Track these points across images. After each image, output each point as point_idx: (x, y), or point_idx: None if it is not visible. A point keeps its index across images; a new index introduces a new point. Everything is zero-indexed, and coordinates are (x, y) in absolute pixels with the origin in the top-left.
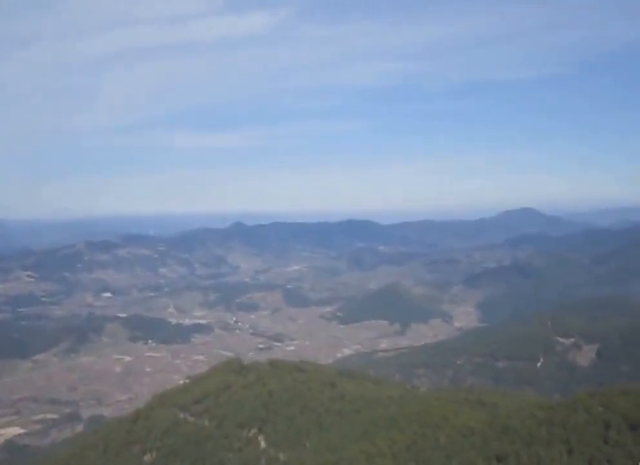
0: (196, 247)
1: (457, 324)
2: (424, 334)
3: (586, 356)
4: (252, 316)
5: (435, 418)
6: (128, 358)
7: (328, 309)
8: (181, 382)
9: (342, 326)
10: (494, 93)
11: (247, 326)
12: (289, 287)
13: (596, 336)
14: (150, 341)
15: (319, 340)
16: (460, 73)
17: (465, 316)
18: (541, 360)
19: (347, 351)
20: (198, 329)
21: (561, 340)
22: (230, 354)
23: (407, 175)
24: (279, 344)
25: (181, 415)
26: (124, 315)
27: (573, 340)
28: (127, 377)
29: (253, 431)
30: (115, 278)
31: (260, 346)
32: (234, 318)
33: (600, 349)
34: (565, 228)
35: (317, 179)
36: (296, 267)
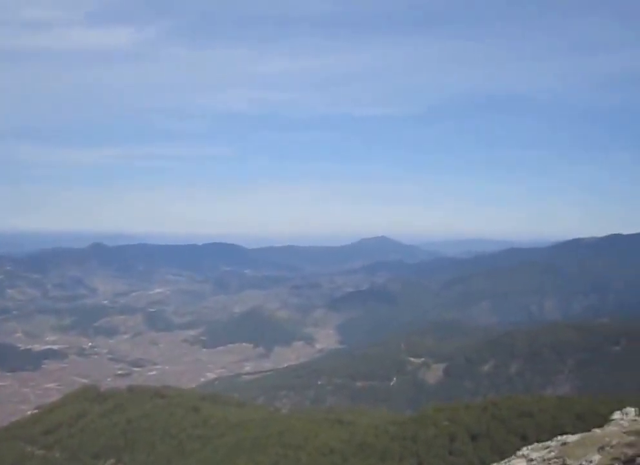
0: (49, 267)
1: (318, 346)
2: (288, 356)
3: (434, 374)
4: (111, 341)
5: (296, 438)
6: None
7: (192, 332)
8: (29, 412)
9: (206, 350)
10: (351, 126)
11: (105, 351)
12: (151, 310)
13: (443, 356)
14: None
15: (182, 365)
16: (321, 106)
17: (326, 338)
18: (395, 378)
19: (211, 375)
20: (50, 354)
21: (412, 359)
22: (85, 381)
23: (273, 201)
24: (139, 369)
25: (28, 448)
26: None
27: (423, 359)
28: None
29: (110, 461)
30: None
31: (120, 372)
32: (91, 343)
33: (447, 367)
34: (419, 257)
35: (183, 202)
36: (159, 290)
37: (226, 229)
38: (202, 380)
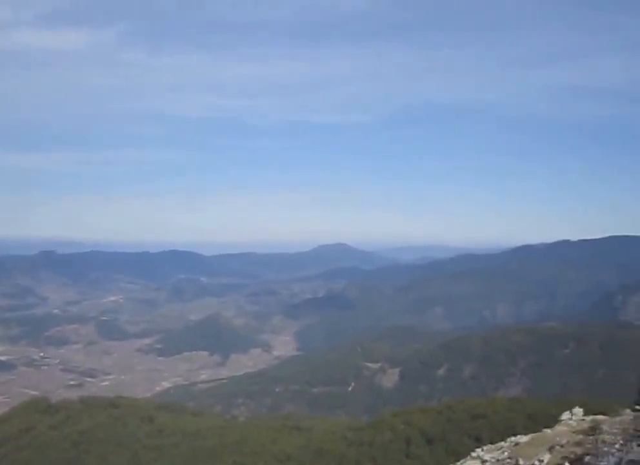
0: None
1: (276, 353)
2: (245, 363)
3: (390, 378)
4: (62, 351)
5: (253, 446)
6: None
7: (146, 341)
8: None
9: (161, 358)
10: (310, 134)
11: (56, 361)
12: (104, 319)
13: (399, 361)
14: None
15: (137, 374)
16: (280, 113)
17: (284, 345)
18: (352, 384)
19: (166, 384)
20: None
21: (369, 365)
22: (35, 392)
23: (230, 208)
24: (92, 380)
25: None
26: None
27: (379, 364)
28: None
29: None
30: None
31: (71, 383)
32: (41, 353)
33: (402, 371)
34: (375, 263)
35: (137, 209)
36: (113, 298)
37: (182, 236)
38: (158, 389)
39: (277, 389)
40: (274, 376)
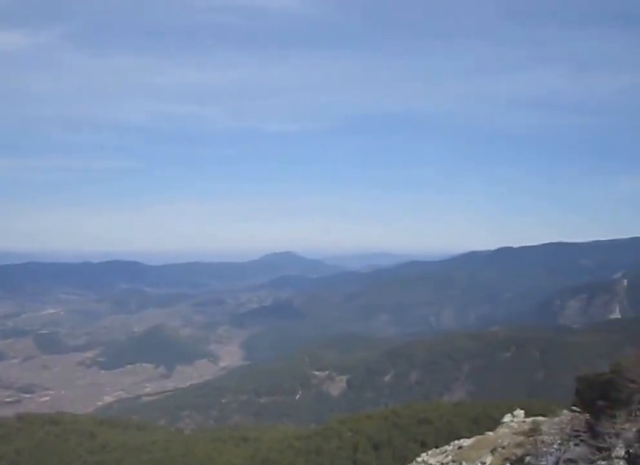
0: None
1: (222, 363)
2: (190, 375)
3: (337, 386)
4: None
5: (199, 458)
6: None
7: (88, 354)
8: None
9: (103, 372)
10: (257, 142)
11: None
12: (43, 332)
13: (346, 368)
14: None
15: (78, 389)
16: (227, 120)
17: (230, 355)
18: (300, 392)
19: (109, 398)
20: None
21: (317, 373)
22: None
23: (175, 217)
24: (30, 396)
25: None
26: None
27: (327, 372)
28: None
29: None
30: None
31: (8, 399)
32: None
33: (349, 379)
34: (322, 271)
35: (77, 218)
36: (52, 311)
37: (125, 246)
38: (100, 403)
39: (223, 400)
40: (220, 386)
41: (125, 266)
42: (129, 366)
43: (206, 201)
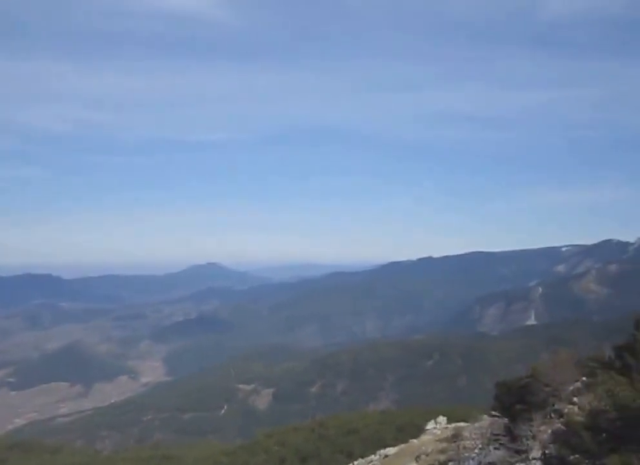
0: None
1: (144, 380)
2: (110, 393)
3: (264, 399)
4: None
5: None
6: None
7: None
8: None
9: (14, 393)
10: (179, 151)
11: None
12: None
13: (272, 381)
14: None
15: None
16: (148, 129)
17: (152, 371)
18: (225, 407)
19: (20, 421)
20: None
21: (242, 386)
22: None
23: (93, 228)
24: None
25: None
26: None
27: (253, 385)
28: None
29: None
30: None
31: None
32: None
33: (275, 392)
34: (248, 282)
35: None
36: None
37: (38, 258)
38: (10, 426)
39: (144, 418)
40: (142, 404)
41: (38, 279)
42: (43, 386)
43: (125, 212)
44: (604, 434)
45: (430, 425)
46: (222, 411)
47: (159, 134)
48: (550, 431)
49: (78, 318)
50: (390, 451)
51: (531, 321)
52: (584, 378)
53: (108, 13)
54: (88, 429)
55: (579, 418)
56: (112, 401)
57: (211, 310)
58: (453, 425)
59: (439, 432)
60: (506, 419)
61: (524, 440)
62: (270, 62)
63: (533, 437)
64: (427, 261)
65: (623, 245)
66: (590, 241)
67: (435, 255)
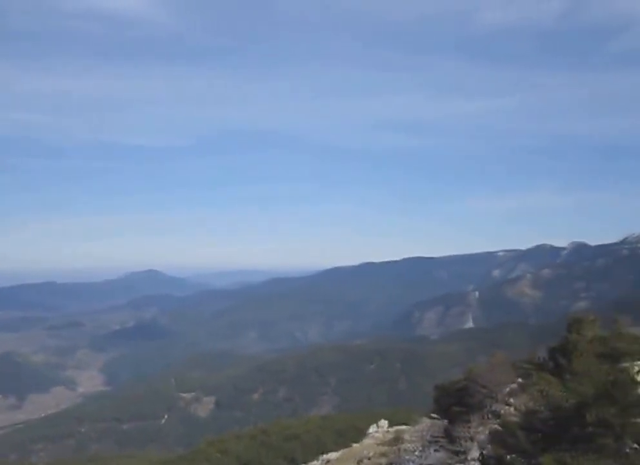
0: None
1: (81, 390)
2: (45, 404)
3: (205, 407)
4: None
5: None
6: None
7: None
8: None
9: None
10: (118, 156)
11: None
12: None
13: (214, 388)
14: None
15: None
16: (86, 132)
17: (90, 381)
18: (166, 416)
19: None
20: None
21: (183, 395)
22: None
23: (26, 234)
24: None
25: None
26: None
27: (194, 393)
28: None
29: None
30: None
31: None
32: None
33: (217, 399)
34: (188, 289)
35: None
36: None
37: None
38: None
39: (82, 429)
40: (78, 415)
41: None
42: None
43: (59, 217)
44: (538, 434)
45: (372, 429)
46: (163, 420)
47: (94, 136)
48: (487, 431)
49: (11, 327)
50: (332, 455)
51: (469, 324)
52: (519, 380)
53: (42, 13)
54: (22, 442)
55: (515, 419)
56: (48, 412)
57: (150, 318)
58: (394, 428)
59: (380, 436)
60: (445, 421)
61: (462, 441)
62: (210, 66)
63: (471, 438)
64: (368, 267)
65: (556, 250)
66: (524, 246)
67: (376, 260)
